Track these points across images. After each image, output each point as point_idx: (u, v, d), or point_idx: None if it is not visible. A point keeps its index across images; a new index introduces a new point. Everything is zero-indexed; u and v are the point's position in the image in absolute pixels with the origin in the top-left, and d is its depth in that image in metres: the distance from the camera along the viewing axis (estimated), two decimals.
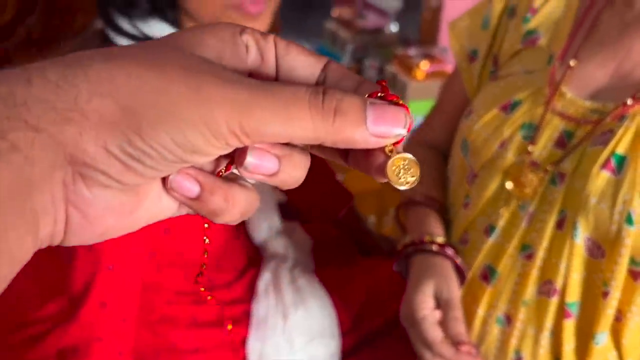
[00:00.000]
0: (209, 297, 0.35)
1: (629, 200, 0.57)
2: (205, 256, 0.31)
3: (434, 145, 0.87)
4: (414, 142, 0.90)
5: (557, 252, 0.62)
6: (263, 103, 0.21)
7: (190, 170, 0.24)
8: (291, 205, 1.14)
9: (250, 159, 0.23)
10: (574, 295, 0.62)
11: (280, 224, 1.01)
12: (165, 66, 0.21)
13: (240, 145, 0.23)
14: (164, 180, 0.24)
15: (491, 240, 0.67)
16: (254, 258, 0.97)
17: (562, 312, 0.63)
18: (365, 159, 0.25)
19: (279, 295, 0.86)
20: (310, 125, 0.22)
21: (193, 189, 0.24)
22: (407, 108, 0.24)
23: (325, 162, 1.12)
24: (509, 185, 0.65)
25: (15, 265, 0.20)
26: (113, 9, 0.71)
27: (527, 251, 0.65)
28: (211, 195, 0.24)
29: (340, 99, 0.23)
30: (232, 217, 0.25)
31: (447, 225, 0.76)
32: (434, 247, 0.70)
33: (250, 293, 0.88)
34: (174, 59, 0.21)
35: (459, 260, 0.70)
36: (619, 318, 0.61)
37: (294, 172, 0.25)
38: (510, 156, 0.66)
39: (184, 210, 0.26)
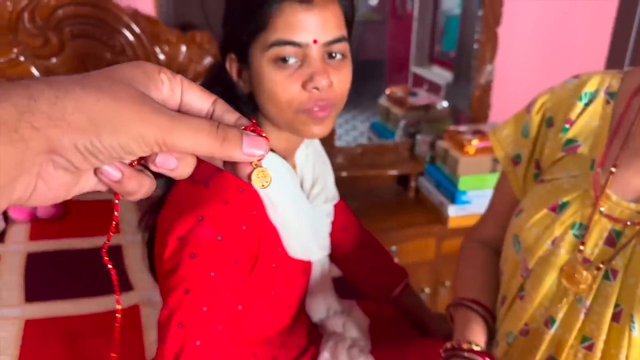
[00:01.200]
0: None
1: None
2: (113, 224, 0.39)
3: (488, 241, 0.91)
4: (471, 239, 0.94)
5: (616, 343, 0.64)
6: (180, 128, 0.32)
7: (116, 162, 0.34)
8: (348, 281, 1.19)
9: (159, 158, 0.34)
10: None
11: (338, 304, 1.05)
12: (120, 97, 0.31)
13: (160, 152, 0.34)
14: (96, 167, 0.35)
15: (552, 331, 0.69)
16: (314, 336, 1.01)
17: None
18: (238, 167, 0.37)
19: None
20: (208, 145, 0.33)
21: (116, 175, 0.34)
22: (267, 139, 0.36)
23: (379, 242, 1.17)
24: (565, 283, 0.68)
25: None
26: None
27: (587, 342, 0.67)
28: (128, 180, 0.34)
29: (226, 131, 0.34)
30: (139, 196, 0.36)
31: (492, 334, 0.79)
32: (467, 354, 0.73)
33: None
34: (126, 92, 0.32)
35: None
36: None
37: (186, 169, 0.36)
38: (563, 253, 0.69)
39: (100, 187, 0.36)
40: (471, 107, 2.08)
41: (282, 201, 0.80)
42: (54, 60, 1.58)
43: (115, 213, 0.40)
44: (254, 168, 0.36)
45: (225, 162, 0.38)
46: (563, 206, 0.71)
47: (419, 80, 2.57)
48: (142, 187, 0.35)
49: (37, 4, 1.51)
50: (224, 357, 0.74)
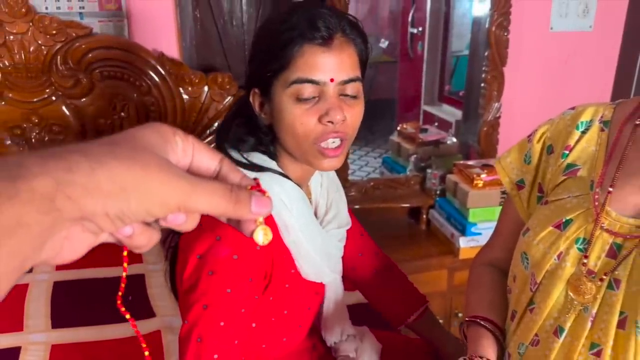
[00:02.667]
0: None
1: None
2: (124, 275, 0.40)
3: (494, 263, 0.94)
4: (479, 263, 0.97)
5: (623, 349, 0.67)
6: (198, 192, 0.34)
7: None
8: (365, 306, 1.19)
9: (170, 216, 0.35)
10: None
11: (352, 329, 1.05)
12: (148, 165, 0.33)
13: (179, 214, 0.35)
14: None
15: (561, 340, 0.72)
16: (327, 359, 1.02)
17: None
18: (242, 224, 0.39)
19: None
20: (223, 207, 0.36)
21: (128, 231, 0.35)
22: (270, 198, 0.38)
23: (398, 269, 1.17)
24: (572, 294, 0.72)
25: (24, 272, 0.30)
26: (227, 144, 0.85)
27: (595, 349, 0.69)
28: (139, 236, 0.36)
29: (238, 193, 0.36)
30: (147, 249, 0.37)
31: (502, 349, 0.81)
32: None
33: None
34: (153, 160, 0.33)
35: None
36: None
37: (193, 223, 0.37)
38: (569, 267, 0.72)
39: (110, 240, 0.37)
40: (479, 142, 2.10)
41: (295, 225, 0.82)
42: (83, 100, 1.64)
43: (125, 265, 0.41)
44: (257, 226, 0.39)
45: (229, 219, 0.40)
46: (567, 223, 0.75)
47: (429, 118, 2.60)
48: (150, 241, 0.37)
49: (70, 48, 1.59)
50: None
